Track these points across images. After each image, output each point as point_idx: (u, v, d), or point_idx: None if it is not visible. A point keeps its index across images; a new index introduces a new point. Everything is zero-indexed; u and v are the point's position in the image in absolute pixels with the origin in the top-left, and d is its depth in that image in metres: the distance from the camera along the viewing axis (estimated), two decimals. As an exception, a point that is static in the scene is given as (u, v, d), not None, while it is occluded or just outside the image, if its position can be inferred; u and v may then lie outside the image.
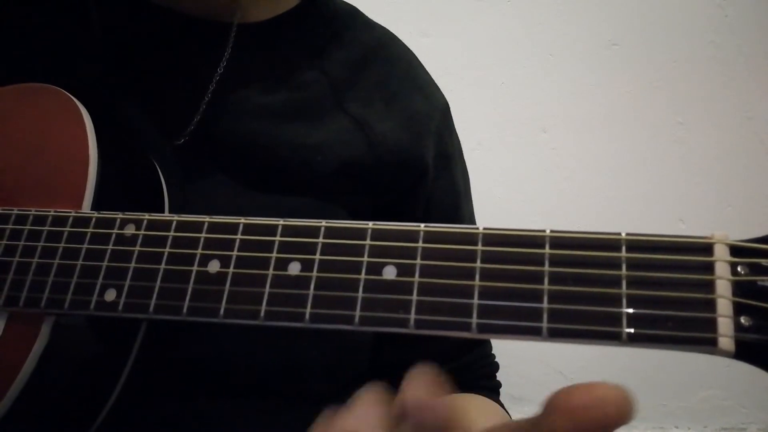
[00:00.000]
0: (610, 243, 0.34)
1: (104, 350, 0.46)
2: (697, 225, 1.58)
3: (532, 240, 0.35)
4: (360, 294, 0.36)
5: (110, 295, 0.41)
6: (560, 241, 0.35)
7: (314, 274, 0.38)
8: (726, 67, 1.65)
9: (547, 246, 0.35)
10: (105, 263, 0.42)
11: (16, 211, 0.46)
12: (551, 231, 0.35)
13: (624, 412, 0.26)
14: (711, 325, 0.32)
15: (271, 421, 0.56)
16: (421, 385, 0.32)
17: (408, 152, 0.62)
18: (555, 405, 0.27)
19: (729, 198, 1.63)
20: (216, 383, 0.53)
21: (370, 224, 0.38)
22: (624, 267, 0.33)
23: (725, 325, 0.31)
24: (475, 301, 0.35)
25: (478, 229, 0.36)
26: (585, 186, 1.64)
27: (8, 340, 0.43)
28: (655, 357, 1.55)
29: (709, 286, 0.32)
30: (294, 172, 0.58)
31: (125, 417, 0.47)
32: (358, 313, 0.36)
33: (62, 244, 0.43)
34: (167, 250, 0.41)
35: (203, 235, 0.41)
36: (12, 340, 0.43)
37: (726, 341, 0.31)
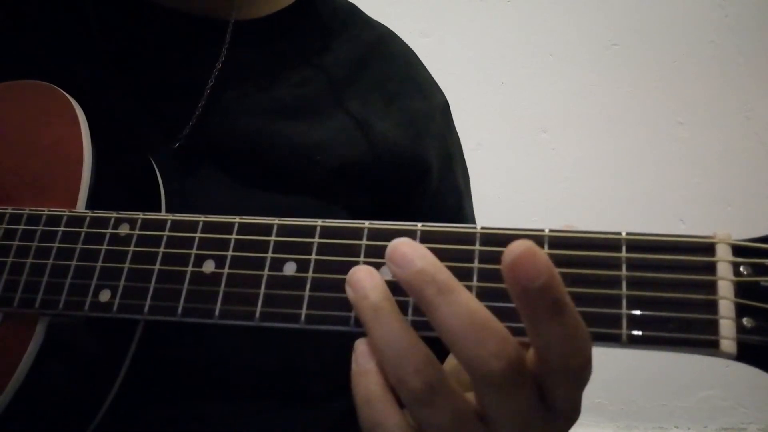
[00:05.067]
0: (609, 243, 0.34)
1: (100, 351, 0.46)
2: (697, 225, 1.58)
3: (531, 240, 0.35)
4: None
5: (104, 295, 0.41)
6: (559, 240, 0.34)
7: (310, 274, 0.37)
8: (726, 67, 1.65)
9: (546, 246, 0.34)
10: (99, 263, 0.41)
11: (10, 210, 0.46)
12: (550, 230, 0.35)
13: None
14: (713, 326, 0.31)
15: (270, 423, 0.56)
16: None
17: (408, 152, 0.61)
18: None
19: (729, 198, 1.63)
20: (214, 385, 0.53)
21: (366, 224, 0.37)
22: (624, 267, 0.33)
23: (727, 327, 0.31)
24: None
25: (476, 228, 0.36)
26: (585, 186, 1.64)
27: (3, 341, 0.43)
28: (656, 357, 1.55)
29: (711, 287, 0.32)
30: (293, 172, 0.58)
31: (122, 418, 0.47)
32: (354, 314, 0.36)
33: (56, 244, 0.43)
34: (162, 250, 0.40)
35: (198, 234, 0.40)
36: (7, 340, 0.43)
37: (728, 343, 0.31)
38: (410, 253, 0.32)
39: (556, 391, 0.32)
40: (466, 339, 0.31)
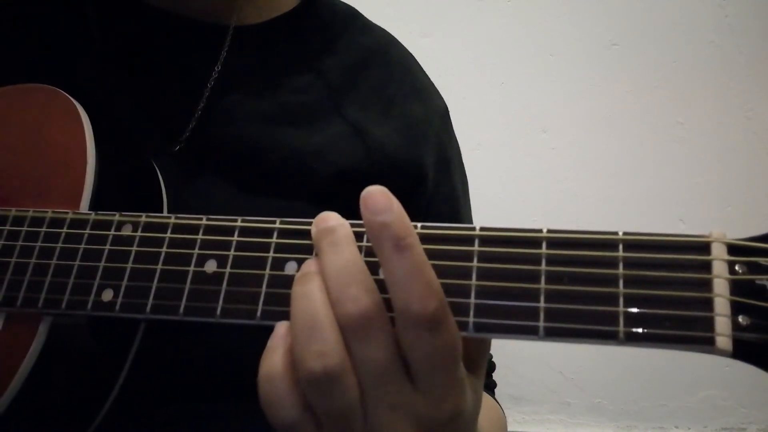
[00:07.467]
0: (607, 242, 0.34)
1: (102, 351, 0.46)
2: (697, 225, 1.58)
3: (529, 239, 0.35)
4: None
5: (107, 295, 0.41)
6: (557, 240, 0.35)
7: None
8: (726, 67, 1.64)
9: (544, 245, 0.35)
10: (102, 263, 0.42)
11: (14, 212, 0.46)
12: (548, 230, 0.35)
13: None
14: (709, 324, 0.32)
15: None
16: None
17: (405, 158, 0.62)
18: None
19: (729, 198, 1.63)
20: (215, 385, 0.53)
21: None
22: (621, 266, 0.33)
23: (723, 324, 0.31)
24: (472, 300, 0.35)
25: (474, 229, 0.36)
26: (585, 186, 1.64)
27: (6, 341, 0.43)
28: (656, 357, 1.55)
29: (707, 285, 0.32)
30: (291, 178, 0.58)
31: (124, 418, 0.47)
32: None
33: (60, 245, 0.43)
34: (164, 250, 0.41)
35: (200, 236, 0.41)
36: (9, 340, 0.43)
37: (723, 340, 0.31)
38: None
39: (405, 340, 0.34)
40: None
